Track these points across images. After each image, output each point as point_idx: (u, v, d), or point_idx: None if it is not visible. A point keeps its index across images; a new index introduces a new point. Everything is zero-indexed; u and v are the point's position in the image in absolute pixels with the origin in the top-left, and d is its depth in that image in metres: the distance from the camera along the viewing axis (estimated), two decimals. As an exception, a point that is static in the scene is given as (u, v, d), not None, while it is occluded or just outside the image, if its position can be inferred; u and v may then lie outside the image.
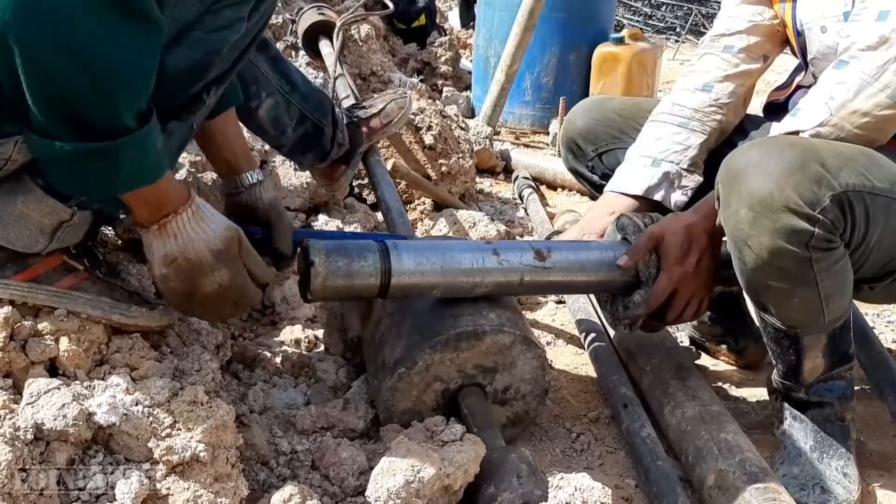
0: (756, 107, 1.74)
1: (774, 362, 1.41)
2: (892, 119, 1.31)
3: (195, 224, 1.13)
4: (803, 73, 1.61)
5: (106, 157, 0.98)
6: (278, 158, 2.16)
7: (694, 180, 1.61)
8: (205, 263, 1.15)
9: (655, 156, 1.61)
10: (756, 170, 1.22)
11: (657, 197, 1.60)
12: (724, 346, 1.85)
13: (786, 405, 1.43)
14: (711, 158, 1.62)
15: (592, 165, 1.77)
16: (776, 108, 1.66)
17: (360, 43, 3.41)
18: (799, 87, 1.61)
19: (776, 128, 1.39)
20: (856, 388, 1.44)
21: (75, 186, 1.08)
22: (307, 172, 2.15)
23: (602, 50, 3.72)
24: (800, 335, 1.33)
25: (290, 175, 2.17)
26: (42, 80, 0.92)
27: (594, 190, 1.80)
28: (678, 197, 1.61)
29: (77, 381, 1.12)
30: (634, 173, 1.61)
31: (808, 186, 1.19)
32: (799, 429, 1.41)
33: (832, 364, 1.37)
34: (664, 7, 8.41)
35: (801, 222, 1.19)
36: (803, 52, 1.56)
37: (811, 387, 1.38)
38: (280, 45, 3.05)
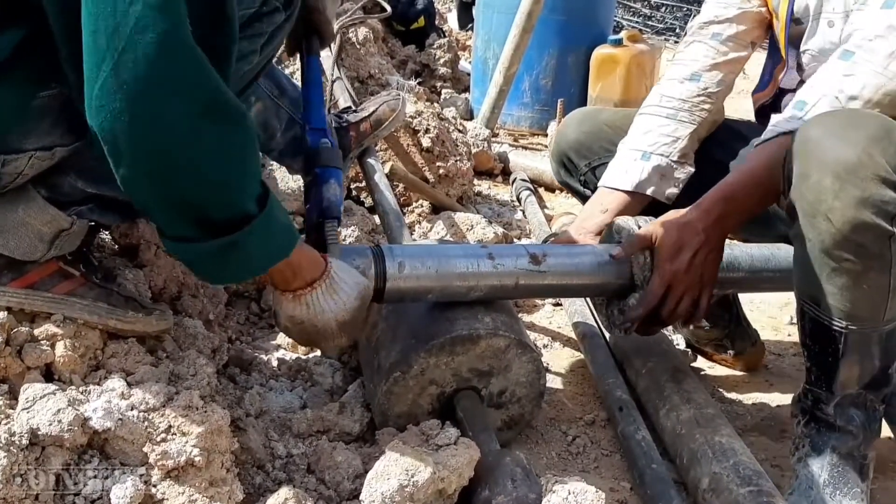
0: (747, 111, 1.73)
1: (807, 366, 1.30)
2: None
3: (328, 297, 1.17)
4: (785, 70, 1.57)
5: (239, 247, 1.03)
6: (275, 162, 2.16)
7: (685, 172, 1.60)
8: (329, 332, 1.19)
9: (645, 149, 1.60)
10: (838, 138, 1.15)
11: (648, 191, 1.59)
12: (720, 350, 1.85)
13: (807, 431, 1.32)
14: (702, 158, 1.61)
15: (585, 180, 1.74)
16: (767, 111, 1.65)
17: (359, 46, 3.40)
18: (783, 89, 1.58)
19: (776, 119, 1.34)
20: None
21: (220, 277, 1.18)
22: (306, 175, 2.14)
23: (600, 52, 3.71)
24: (847, 333, 1.22)
25: (288, 179, 2.17)
26: (167, 198, 0.99)
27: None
28: (670, 190, 1.60)
29: (72, 387, 1.12)
30: (625, 168, 1.60)
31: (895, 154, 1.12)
32: (816, 460, 1.30)
33: (870, 377, 1.27)
34: (663, 8, 8.40)
35: (891, 192, 1.11)
36: (794, 43, 1.52)
37: (839, 405, 1.28)
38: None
